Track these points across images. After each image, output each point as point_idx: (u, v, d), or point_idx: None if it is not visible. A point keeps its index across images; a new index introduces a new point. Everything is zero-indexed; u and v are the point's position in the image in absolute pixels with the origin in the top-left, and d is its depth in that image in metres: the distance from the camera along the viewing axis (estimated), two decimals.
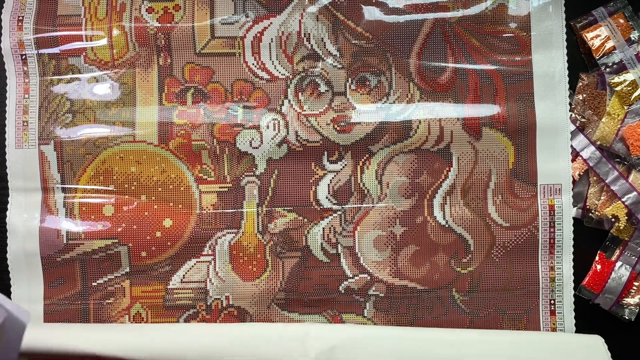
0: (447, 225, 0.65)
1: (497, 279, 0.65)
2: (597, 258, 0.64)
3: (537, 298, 0.65)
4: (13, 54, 0.64)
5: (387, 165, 0.65)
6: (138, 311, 0.65)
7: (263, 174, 0.65)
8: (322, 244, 0.65)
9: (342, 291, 0.65)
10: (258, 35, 0.65)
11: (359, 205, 0.65)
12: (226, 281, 0.65)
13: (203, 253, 0.65)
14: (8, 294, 0.64)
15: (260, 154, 0.65)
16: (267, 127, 0.64)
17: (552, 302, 0.64)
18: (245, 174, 0.65)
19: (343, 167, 0.65)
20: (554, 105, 0.64)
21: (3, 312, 0.44)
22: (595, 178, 0.64)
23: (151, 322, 0.65)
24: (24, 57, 0.64)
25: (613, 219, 0.63)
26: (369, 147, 0.65)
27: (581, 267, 0.65)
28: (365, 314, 0.65)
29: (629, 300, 0.64)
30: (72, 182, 0.64)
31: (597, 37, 0.63)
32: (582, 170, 0.65)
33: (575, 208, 0.65)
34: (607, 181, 0.63)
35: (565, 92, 0.64)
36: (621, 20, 0.64)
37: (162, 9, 0.65)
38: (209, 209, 0.65)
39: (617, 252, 0.64)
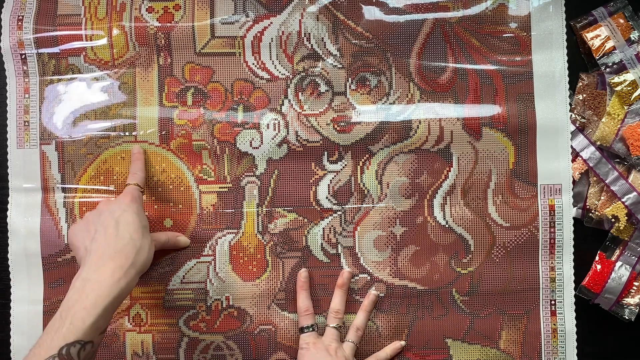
0: (447, 226, 0.65)
1: (497, 279, 0.65)
2: (597, 258, 0.64)
3: (537, 298, 0.65)
4: (13, 53, 0.64)
5: (387, 166, 0.65)
6: (138, 312, 0.65)
7: (263, 174, 0.65)
8: (322, 244, 0.65)
9: None
10: (258, 35, 0.65)
11: (359, 206, 0.65)
12: (226, 281, 0.65)
13: (203, 253, 0.65)
14: (8, 294, 0.64)
15: (260, 154, 0.65)
16: (267, 127, 0.64)
17: (553, 302, 0.64)
18: (245, 174, 0.65)
19: (343, 167, 0.65)
20: (554, 105, 0.64)
21: None
22: (595, 178, 0.65)
23: (151, 323, 0.65)
24: (23, 56, 0.64)
25: (613, 219, 0.63)
26: (369, 147, 0.65)
27: (581, 267, 0.65)
28: None
29: (629, 300, 0.64)
30: (72, 182, 0.64)
31: (597, 37, 0.64)
32: (582, 170, 0.65)
33: (575, 208, 0.65)
34: (607, 181, 0.63)
35: (565, 92, 0.64)
36: (621, 20, 0.64)
37: (162, 8, 0.65)
38: (209, 209, 0.65)
39: (617, 252, 0.64)
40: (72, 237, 0.56)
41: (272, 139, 0.64)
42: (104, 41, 0.64)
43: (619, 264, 0.64)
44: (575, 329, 0.64)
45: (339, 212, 0.65)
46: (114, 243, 0.53)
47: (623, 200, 0.63)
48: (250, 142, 0.64)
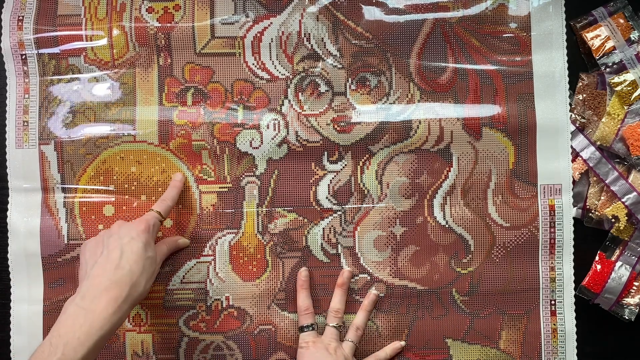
0: (447, 226, 0.65)
1: (497, 279, 0.65)
2: (597, 258, 0.64)
3: (537, 298, 0.65)
4: (13, 53, 0.64)
5: (387, 166, 0.65)
6: (137, 312, 0.65)
7: (263, 174, 0.65)
8: (322, 244, 0.65)
9: None
10: (258, 35, 0.65)
11: (359, 206, 0.65)
12: (226, 281, 0.65)
13: (203, 253, 0.65)
14: (8, 294, 0.64)
15: (260, 154, 0.65)
16: (267, 127, 0.64)
17: (553, 302, 0.64)
18: (245, 174, 0.65)
19: (343, 167, 0.65)
20: (554, 105, 0.64)
21: None
22: (595, 178, 0.65)
23: (151, 323, 0.65)
24: (24, 57, 0.64)
25: (613, 219, 0.63)
26: (369, 147, 0.65)
27: (581, 267, 0.65)
28: None
29: (629, 300, 0.64)
30: (72, 182, 0.64)
31: (597, 37, 0.64)
32: (582, 170, 0.65)
33: (575, 208, 0.65)
34: (607, 181, 0.63)
35: (565, 92, 0.64)
36: (621, 20, 0.64)
37: (162, 8, 0.65)
38: (209, 209, 0.65)
39: (617, 252, 0.64)
40: (82, 251, 0.57)
41: (272, 139, 0.64)
42: (104, 41, 0.64)
43: (619, 264, 0.64)
44: (575, 329, 0.64)
45: (339, 212, 0.65)
46: (112, 273, 0.53)
47: (623, 200, 0.63)
48: (250, 142, 0.64)
